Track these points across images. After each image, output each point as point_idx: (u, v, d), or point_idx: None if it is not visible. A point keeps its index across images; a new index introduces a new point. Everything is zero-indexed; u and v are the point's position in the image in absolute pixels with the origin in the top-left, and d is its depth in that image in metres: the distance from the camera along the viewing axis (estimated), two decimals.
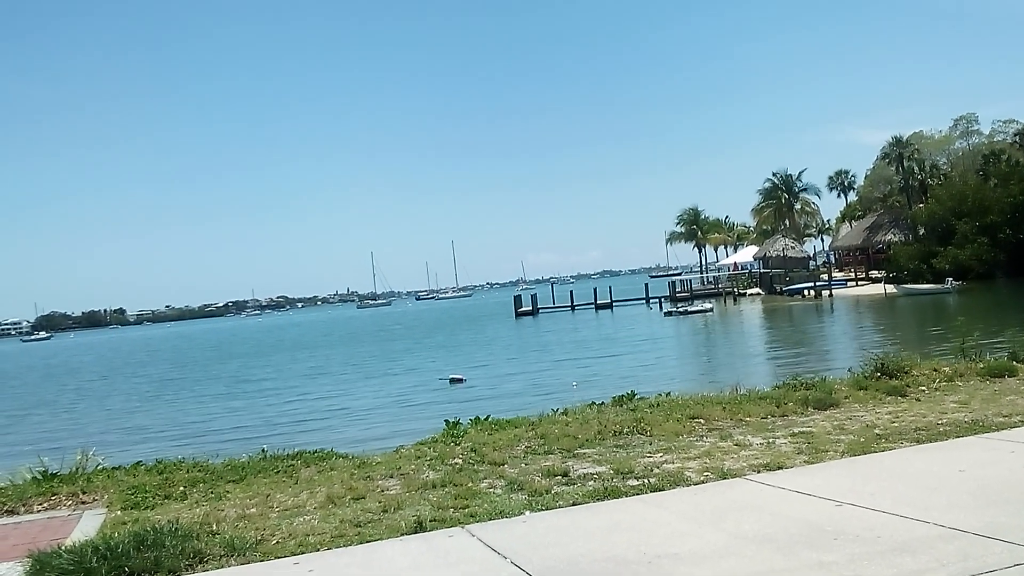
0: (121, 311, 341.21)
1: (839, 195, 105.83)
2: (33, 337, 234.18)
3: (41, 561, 5.30)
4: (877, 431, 8.20)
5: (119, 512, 7.22)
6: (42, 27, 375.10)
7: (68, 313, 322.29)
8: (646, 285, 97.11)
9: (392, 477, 7.71)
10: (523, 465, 7.76)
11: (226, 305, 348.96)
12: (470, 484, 7.09)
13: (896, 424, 8.52)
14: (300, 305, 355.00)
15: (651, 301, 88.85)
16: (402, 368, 45.95)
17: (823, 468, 6.86)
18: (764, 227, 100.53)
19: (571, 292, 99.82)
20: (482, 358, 47.59)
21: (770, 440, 8.12)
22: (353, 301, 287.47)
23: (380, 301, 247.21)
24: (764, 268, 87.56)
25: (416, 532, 5.80)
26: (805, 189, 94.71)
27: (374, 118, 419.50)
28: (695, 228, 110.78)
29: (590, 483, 6.84)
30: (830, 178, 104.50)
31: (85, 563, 5.16)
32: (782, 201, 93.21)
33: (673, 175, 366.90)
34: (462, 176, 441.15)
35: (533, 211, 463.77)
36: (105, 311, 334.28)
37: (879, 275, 72.99)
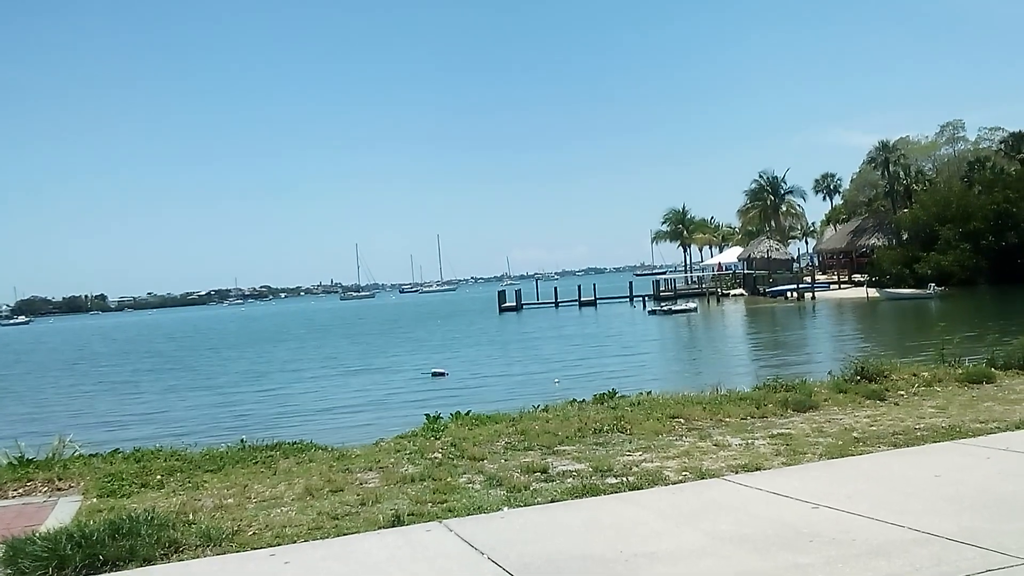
0: (102, 297, 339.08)
1: (824, 198, 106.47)
2: (12, 321, 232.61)
3: (15, 547, 5.25)
4: (855, 434, 8.24)
5: (95, 500, 7.17)
6: (24, 15, 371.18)
7: (48, 298, 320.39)
8: (630, 283, 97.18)
9: (371, 470, 7.68)
10: (502, 461, 7.76)
11: (208, 294, 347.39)
12: (449, 479, 7.08)
13: (874, 428, 8.57)
14: (283, 295, 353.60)
15: (635, 299, 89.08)
16: (384, 361, 45.87)
17: (801, 470, 6.89)
18: (749, 228, 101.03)
19: (555, 288, 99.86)
20: (465, 353, 47.58)
21: (749, 441, 8.15)
22: (337, 292, 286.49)
23: (364, 293, 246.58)
24: (748, 269, 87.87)
25: (394, 526, 5.78)
26: (791, 191, 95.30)
27: (362, 110, 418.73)
28: (681, 228, 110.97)
29: (569, 480, 6.85)
30: (816, 181, 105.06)
31: (59, 550, 5.11)
32: (768, 203, 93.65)
33: (660, 174, 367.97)
34: (448, 170, 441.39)
35: (519, 207, 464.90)
36: (86, 297, 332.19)
37: (862, 279, 73.42)
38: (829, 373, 12.37)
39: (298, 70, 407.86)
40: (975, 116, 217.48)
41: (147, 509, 6.11)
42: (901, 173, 79.87)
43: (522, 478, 6.97)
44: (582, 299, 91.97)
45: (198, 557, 5.34)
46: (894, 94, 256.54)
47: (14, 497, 7.57)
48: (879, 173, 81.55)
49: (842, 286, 75.91)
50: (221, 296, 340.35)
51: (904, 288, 64.68)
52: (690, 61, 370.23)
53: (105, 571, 5.11)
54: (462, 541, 5.31)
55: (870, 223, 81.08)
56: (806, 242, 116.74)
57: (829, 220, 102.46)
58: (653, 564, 4.70)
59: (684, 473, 6.94)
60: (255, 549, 5.44)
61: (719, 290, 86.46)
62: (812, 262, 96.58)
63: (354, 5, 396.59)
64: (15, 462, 8.55)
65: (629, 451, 7.93)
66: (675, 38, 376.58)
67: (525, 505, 6.19)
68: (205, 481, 7.67)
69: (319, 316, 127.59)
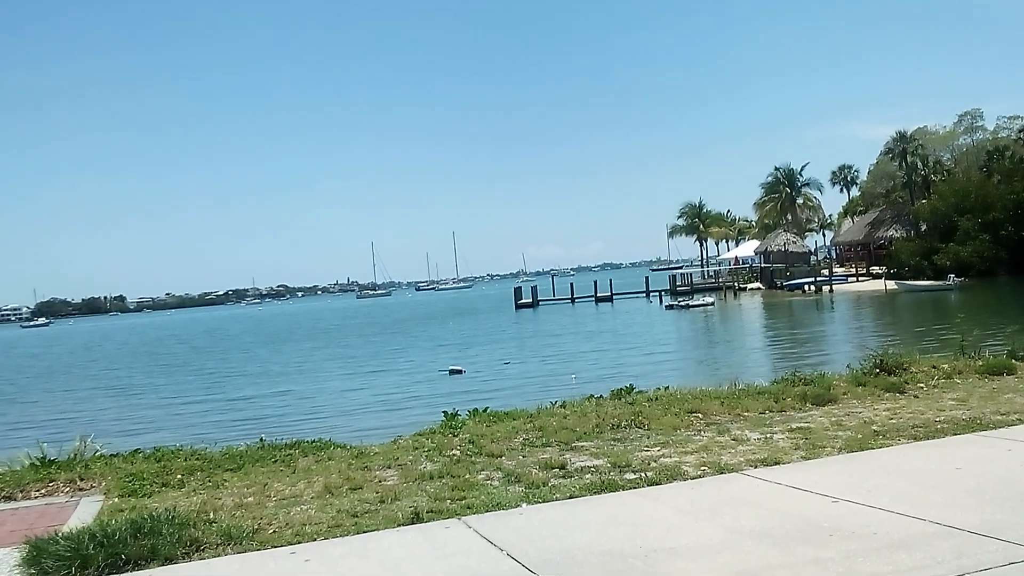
0: (121, 298, 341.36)
1: (842, 190, 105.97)
2: (32, 323, 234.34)
3: (38, 547, 5.30)
4: (875, 428, 8.20)
5: (116, 499, 7.23)
6: (43, 15, 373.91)
7: (68, 299, 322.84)
8: (647, 278, 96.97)
9: (390, 468, 7.71)
10: (521, 457, 7.76)
11: (226, 293, 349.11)
12: (467, 476, 7.10)
13: (894, 421, 8.51)
14: (300, 294, 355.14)
15: (652, 294, 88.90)
16: (401, 359, 46.02)
17: (820, 464, 6.86)
18: (766, 221, 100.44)
19: (571, 284, 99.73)
20: (482, 350, 47.62)
21: (768, 435, 8.12)
22: (353, 291, 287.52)
23: (380, 291, 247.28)
24: (765, 262, 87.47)
25: (413, 523, 5.80)
26: (807, 183, 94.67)
27: (376, 109, 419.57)
28: (697, 222, 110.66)
29: (587, 476, 6.85)
30: (833, 173, 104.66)
31: (82, 550, 5.16)
32: (784, 195, 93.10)
33: (676, 169, 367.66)
34: (464, 167, 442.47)
35: (535, 203, 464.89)
36: (105, 298, 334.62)
37: (880, 271, 72.99)
38: (848, 366, 12.30)
39: (312, 70, 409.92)
40: (993, 105, 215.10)
41: (168, 508, 6.16)
42: (919, 164, 79.31)
43: (540, 474, 6.96)
44: (598, 295, 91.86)
45: (219, 556, 5.38)
46: (911, 85, 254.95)
47: (37, 497, 7.65)
48: (896, 164, 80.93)
49: (860, 279, 75.42)
50: (239, 296, 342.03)
51: (923, 280, 64.27)
52: (705, 55, 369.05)
53: (127, 570, 5.15)
54: (481, 538, 5.32)
55: (888, 215, 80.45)
56: (823, 235, 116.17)
57: (846, 212, 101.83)
58: (672, 559, 4.69)
59: (703, 468, 6.93)
60: (276, 547, 5.47)
61: (736, 284, 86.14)
62: (830, 255, 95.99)
63: (367, 5, 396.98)
64: (37, 463, 8.65)
65: (647, 446, 7.92)
66: (690, 32, 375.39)
67: (544, 501, 6.19)
68: (225, 480, 7.73)
69: (336, 315, 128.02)
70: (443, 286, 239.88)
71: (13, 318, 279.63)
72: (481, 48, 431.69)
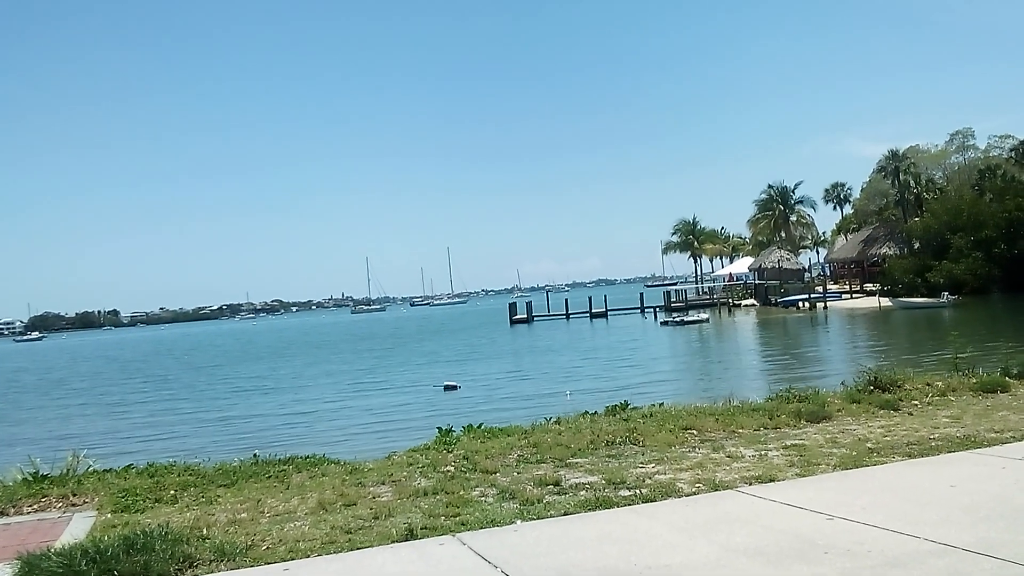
0: (115, 312, 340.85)
1: (835, 207, 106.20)
2: (26, 337, 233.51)
3: (30, 563, 5.27)
4: (869, 445, 8.21)
5: (109, 515, 7.20)
6: (34, 27, 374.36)
7: (62, 314, 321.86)
8: (641, 295, 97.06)
9: (384, 484, 7.69)
10: (515, 474, 7.75)
11: (220, 308, 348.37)
12: (462, 492, 7.08)
13: (888, 438, 8.53)
14: (295, 309, 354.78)
15: (646, 311, 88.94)
16: (396, 374, 45.92)
17: (815, 481, 6.86)
18: (760, 238, 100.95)
19: (566, 300, 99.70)
20: (476, 365, 47.57)
21: (762, 452, 8.13)
22: (348, 306, 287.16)
23: (375, 306, 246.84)
24: (759, 279, 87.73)
25: (407, 540, 5.78)
26: (801, 201, 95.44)
27: (370, 122, 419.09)
28: (691, 238, 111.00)
29: (582, 493, 6.84)
30: (826, 190, 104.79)
31: (74, 566, 5.13)
32: (777, 213, 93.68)
33: (670, 185, 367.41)
34: (458, 182, 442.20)
35: (530, 219, 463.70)
36: (99, 312, 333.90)
37: (874, 288, 73.24)
38: (842, 383, 12.32)
39: (306, 83, 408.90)
40: (984, 124, 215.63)
41: (161, 524, 6.14)
42: (911, 182, 79.84)
43: (535, 491, 6.96)
44: (593, 311, 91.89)
45: (212, 572, 5.36)
46: (903, 103, 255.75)
47: (29, 513, 7.61)
48: (889, 182, 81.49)
49: (854, 296, 75.61)
50: (233, 311, 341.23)
51: (916, 297, 64.51)
52: (699, 70, 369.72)
53: None
54: (475, 555, 5.31)
55: (881, 232, 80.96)
56: (817, 252, 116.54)
57: (840, 229, 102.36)
58: None
59: (697, 485, 6.92)
60: (268, 564, 5.44)
61: (730, 301, 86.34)
62: (823, 272, 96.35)
63: (362, 16, 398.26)
64: (30, 478, 8.60)
65: (642, 463, 7.91)
66: (684, 47, 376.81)
67: (538, 518, 6.18)
68: (219, 496, 7.70)
69: (330, 330, 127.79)
70: (438, 301, 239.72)
71: (6, 332, 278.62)
72: (474, 62, 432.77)
